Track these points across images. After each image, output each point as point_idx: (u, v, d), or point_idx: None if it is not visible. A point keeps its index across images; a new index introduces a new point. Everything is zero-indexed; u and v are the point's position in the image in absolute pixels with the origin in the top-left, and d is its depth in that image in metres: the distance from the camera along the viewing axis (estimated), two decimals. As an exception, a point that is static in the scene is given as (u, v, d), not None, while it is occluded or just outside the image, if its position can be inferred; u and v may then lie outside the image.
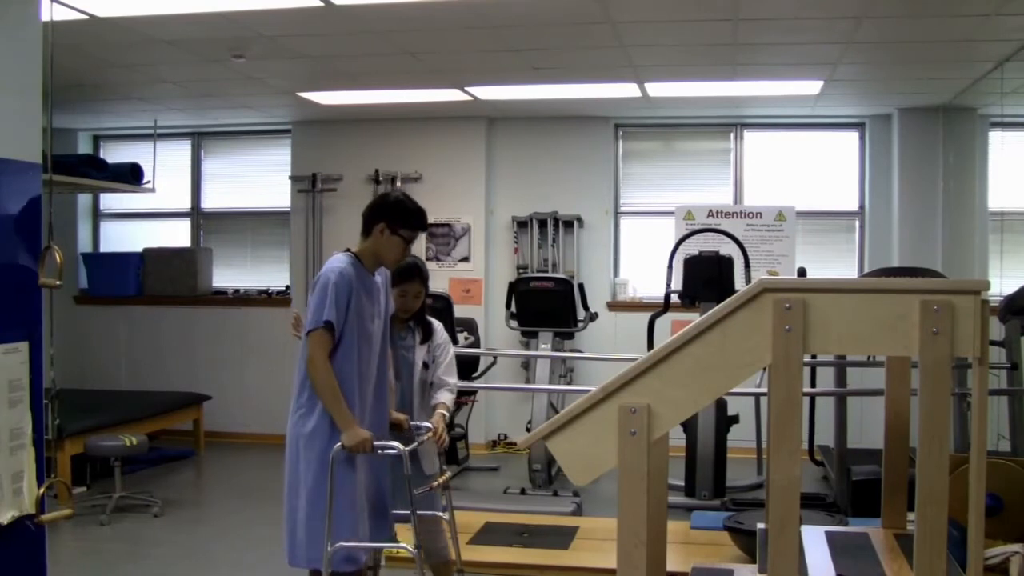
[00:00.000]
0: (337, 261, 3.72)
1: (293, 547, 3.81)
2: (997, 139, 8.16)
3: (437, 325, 4.37)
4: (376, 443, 3.63)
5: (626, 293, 8.83)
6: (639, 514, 2.27)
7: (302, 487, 3.75)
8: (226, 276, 9.58)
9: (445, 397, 4.19)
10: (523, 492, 6.85)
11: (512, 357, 8.32)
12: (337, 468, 3.63)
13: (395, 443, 3.66)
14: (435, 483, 3.96)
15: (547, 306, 7.50)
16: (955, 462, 3.26)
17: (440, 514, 4.11)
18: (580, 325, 7.77)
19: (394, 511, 3.95)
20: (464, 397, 7.66)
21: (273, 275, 9.49)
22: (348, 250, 3.80)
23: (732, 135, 8.80)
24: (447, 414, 4.13)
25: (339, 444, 3.62)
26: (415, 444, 3.85)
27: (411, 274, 4.12)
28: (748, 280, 6.75)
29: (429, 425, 4.01)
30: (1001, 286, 6.94)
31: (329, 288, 3.61)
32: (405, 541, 3.83)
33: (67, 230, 9.27)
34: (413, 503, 3.68)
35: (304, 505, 3.74)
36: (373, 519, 3.83)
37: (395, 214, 3.76)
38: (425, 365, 4.24)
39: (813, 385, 6.89)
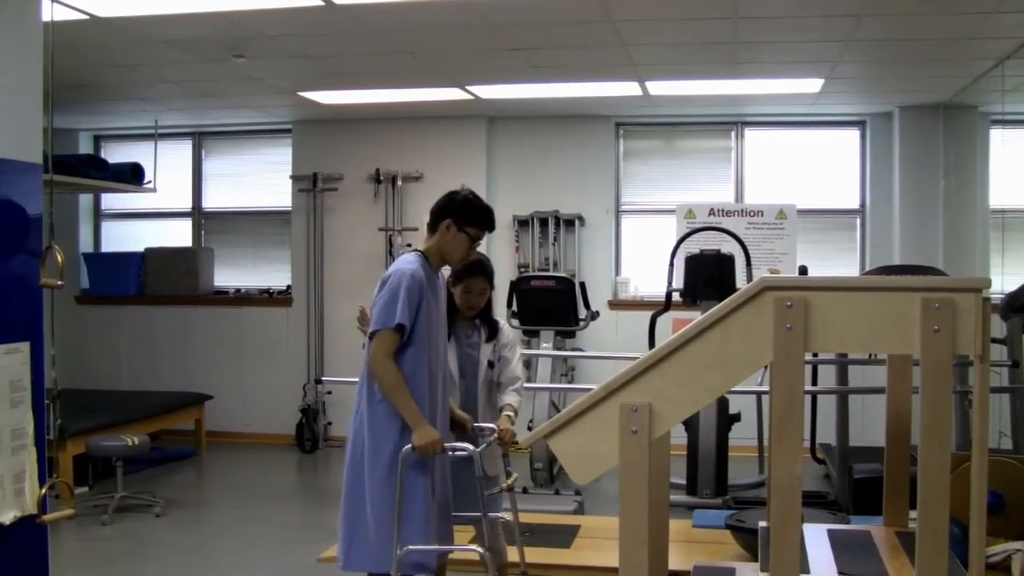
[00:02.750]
0: (407, 262, 3.66)
1: (352, 550, 3.68)
2: (998, 137, 8.16)
3: (503, 324, 4.30)
4: (447, 444, 3.57)
5: (627, 292, 8.84)
6: (641, 513, 2.27)
7: (368, 490, 3.62)
8: (227, 276, 9.59)
9: (512, 399, 4.12)
10: (525, 491, 6.85)
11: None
12: (408, 471, 3.55)
13: (466, 444, 3.60)
14: (504, 485, 3.86)
15: (548, 305, 7.49)
16: (957, 460, 3.26)
17: (505, 516, 3.99)
18: (581, 324, 7.76)
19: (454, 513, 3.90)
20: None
21: (274, 275, 9.49)
22: (414, 248, 3.77)
23: (733, 133, 8.80)
24: (513, 415, 4.05)
25: (409, 446, 3.54)
26: (484, 446, 3.78)
27: (475, 270, 4.07)
28: (749, 278, 6.75)
29: (493, 426, 3.95)
30: (1002, 284, 6.94)
31: (402, 290, 3.55)
32: (465, 543, 3.79)
33: (68, 230, 9.28)
34: (484, 506, 3.64)
35: (371, 509, 3.61)
36: (442, 523, 3.77)
37: (463, 212, 3.71)
38: (491, 364, 4.17)
39: (814, 383, 6.88)
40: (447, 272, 3.94)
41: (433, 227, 3.75)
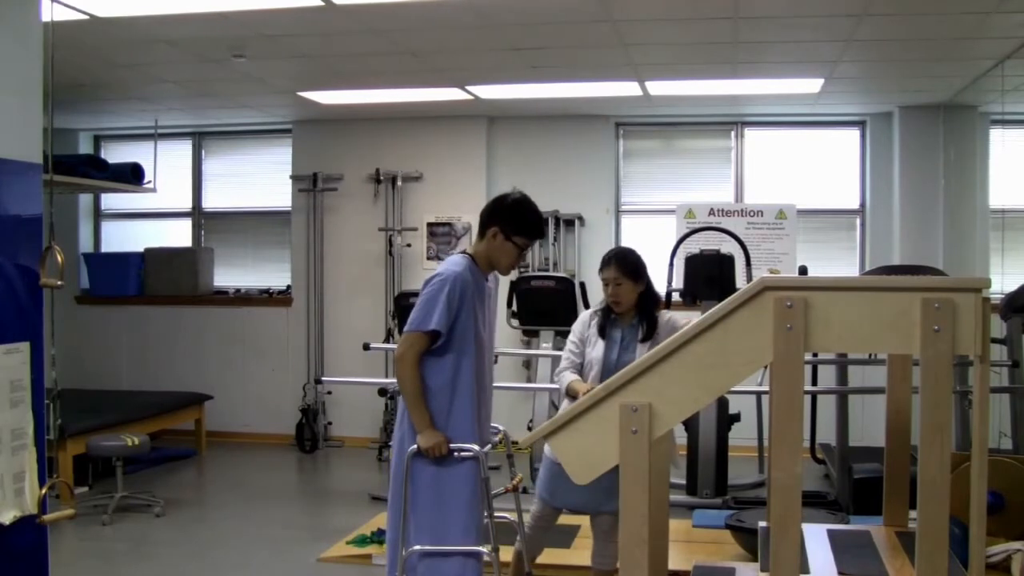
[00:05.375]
0: (455, 264, 3.60)
1: (397, 559, 3.62)
2: (998, 137, 8.16)
3: (667, 319, 4.07)
4: (452, 445, 3.54)
5: (627, 292, 8.81)
6: (641, 513, 2.27)
7: (412, 495, 3.59)
8: (227, 276, 9.59)
9: None
10: (524, 491, 6.84)
11: (513, 356, 8.32)
12: (454, 477, 3.55)
13: (472, 445, 3.57)
14: (509, 486, 3.84)
15: (548, 305, 7.48)
16: (956, 460, 3.27)
17: (510, 517, 3.97)
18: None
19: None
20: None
21: (274, 275, 9.49)
22: (464, 251, 3.71)
23: (733, 133, 8.80)
24: None
25: (414, 447, 3.54)
26: (489, 447, 3.75)
27: (606, 261, 4.02)
28: (749, 278, 6.75)
29: (499, 426, 3.91)
30: (1002, 284, 6.94)
31: (443, 295, 3.49)
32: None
33: (68, 230, 9.28)
34: (491, 505, 3.63)
35: (414, 513, 3.59)
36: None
37: (510, 219, 3.62)
38: None
39: (814, 383, 6.89)
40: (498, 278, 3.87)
41: (481, 232, 3.68)
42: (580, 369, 4.09)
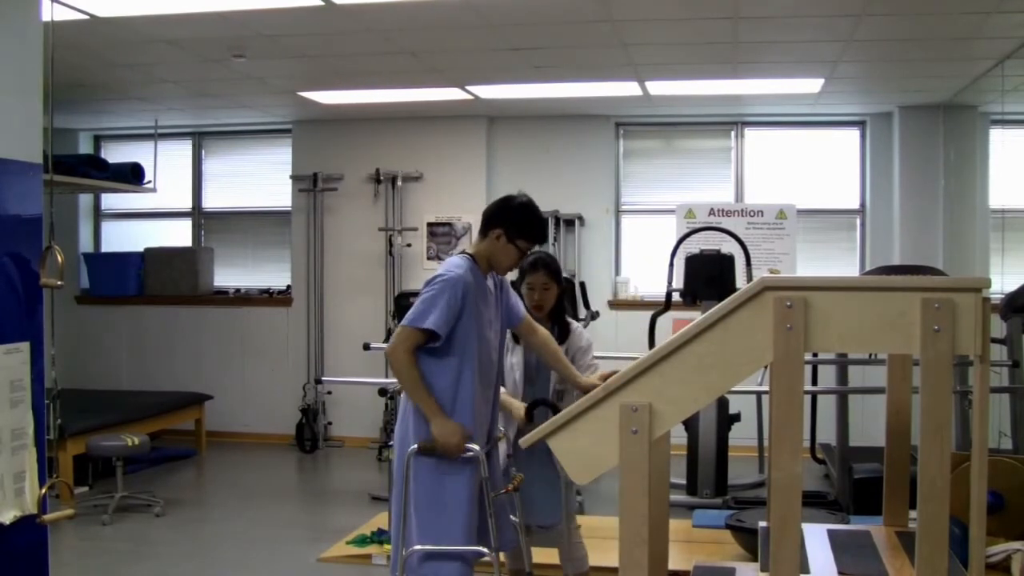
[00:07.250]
0: (455, 266, 3.59)
1: (400, 558, 3.60)
2: (998, 137, 8.16)
3: (576, 327, 4.22)
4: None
5: (627, 292, 8.83)
6: (640, 512, 2.27)
7: (412, 494, 3.57)
8: (227, 276, 9.59)
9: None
10: (525, 491, 6.84)
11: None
12: (451, 476, 3.53)
13: (472, 445, 3.54)
14: (509, 486, 3.81)
15: (548, 305, 7.48)
16: (956, 460, 3.27)
17: (511, 517, 3.95)
18: (581, 324, 7.75)
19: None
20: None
21: (274, 275, 9.49)
22: (464, 251, 3.70)
23: (733, 133, 8.80)
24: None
25: (414, 447, 3.52)
26: (489, 447, 3.73)
27: (534, 265, 4.07)
28: (749, 278, 6.75)
29: (501, 428, 3.92)
30: (1002, 284, 6.94)
31: (443, 298, 3.47)
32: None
33: (68, 230, 9.28)
34: (491, 505, 3.63)
35: (415, 513, 3.58)
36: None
37: (516, 222, 3.62)
38: None
39: (814, 383, 6.89)
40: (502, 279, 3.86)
41: (483, 232, 3.67)
42: None
